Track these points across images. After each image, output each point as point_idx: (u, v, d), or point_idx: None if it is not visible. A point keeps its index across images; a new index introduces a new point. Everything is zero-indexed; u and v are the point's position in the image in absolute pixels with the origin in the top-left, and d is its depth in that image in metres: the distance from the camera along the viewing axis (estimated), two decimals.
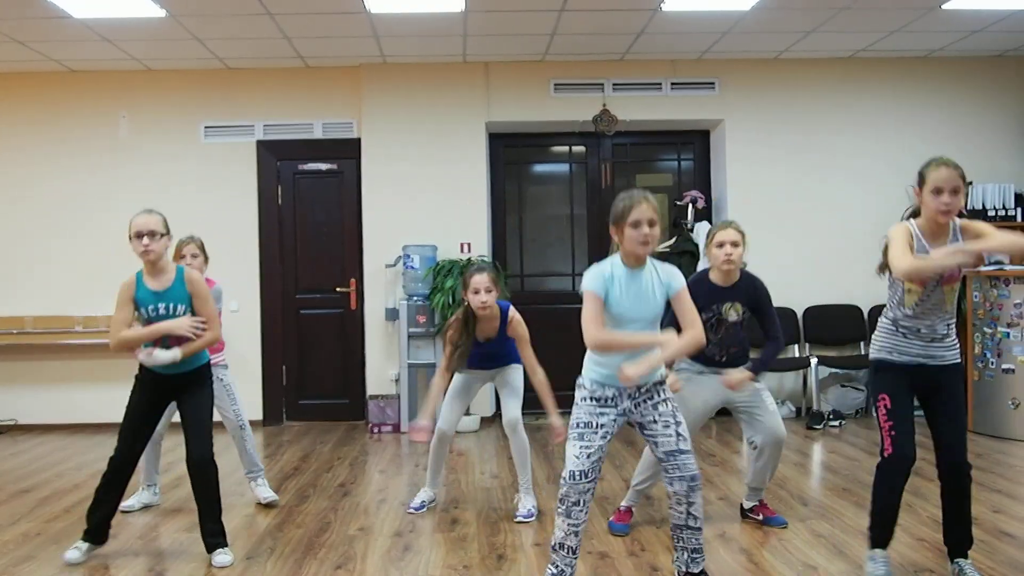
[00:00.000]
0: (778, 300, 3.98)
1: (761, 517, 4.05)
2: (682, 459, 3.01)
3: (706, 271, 3.95)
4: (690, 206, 7.06)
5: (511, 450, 4.30)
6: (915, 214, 3.16)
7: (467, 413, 4.31)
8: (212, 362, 3.94)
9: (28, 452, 6.22)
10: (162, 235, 3.61)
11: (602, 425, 3.02)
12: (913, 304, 3.11)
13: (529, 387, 4.17)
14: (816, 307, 7.17)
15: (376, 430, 6.83)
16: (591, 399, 3.04)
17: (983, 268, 6.08)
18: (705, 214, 7.20)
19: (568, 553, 3.03)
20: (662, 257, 4.64)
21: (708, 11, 5.97)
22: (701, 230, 6.98)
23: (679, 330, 3.02)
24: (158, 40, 6.32)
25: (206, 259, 4.54)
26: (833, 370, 7.03)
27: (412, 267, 6.79)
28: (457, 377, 4.38)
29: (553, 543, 3.06)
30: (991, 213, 6.89)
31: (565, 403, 3.29)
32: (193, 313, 3.65)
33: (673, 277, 3.04)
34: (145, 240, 3.56)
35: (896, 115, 7.22)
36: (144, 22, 5.88)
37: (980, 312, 6.09)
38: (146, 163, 7.12)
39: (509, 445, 4.33)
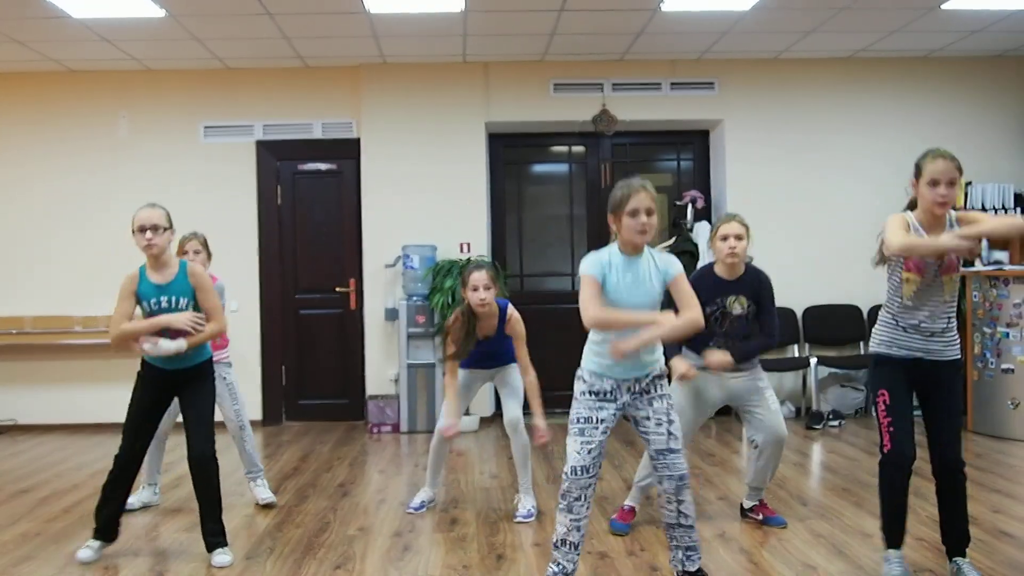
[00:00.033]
0: (778, 300, 3.97)
1: (761, 517, 4.05)
2: (671, 458, 3.03)
3: (711, 264, 3.95)
4: (689, 206, 7.06)
5: (512, 450, 4.30)
6: (912, 207, 3.17)
7: (467, 413, 4.31)
8: (216, 359, 3.94)
9: (27, 452, 6.22)
10: (165, 229, 3.62)
11: (602, 420, 3.03)
12: (911, 293, 3.11)
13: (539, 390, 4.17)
14: (816, 307, 7.17)
15: (375, 430, 6.83)
16: (590, 393, 3.06)
17: (983, 268, 6.09)
18: (704, 214, 7.19)
19: (570, 549, 3.04)
20: None
21: (708, 11, 5.96)
22: (700, 230, 6.98)
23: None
24: (157, 40, 6.32)
25: (209, 255, 4.55)
26: (833, 370, 7.03)
27: (411, 267, 6.79)
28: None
29: (555, 540, 3.07)
30: (990, 213, 6.89)
31: (565, 403, 3.28)
32: (196, 307, 3.66)
33: (670, 264, 3.07)
34: (148, 234, 3.57)
35: (896, 115, 7.22)
36: (143, 22, 5.87)
37: (980, 312, 6.09)
38: (146, 163, 7.12)
39: (509, 445, 4.33)
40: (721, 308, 3.84)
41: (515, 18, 6.03)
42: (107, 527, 3.72)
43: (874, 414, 3.27)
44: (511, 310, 4.17)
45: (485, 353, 4.23)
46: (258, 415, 7.07)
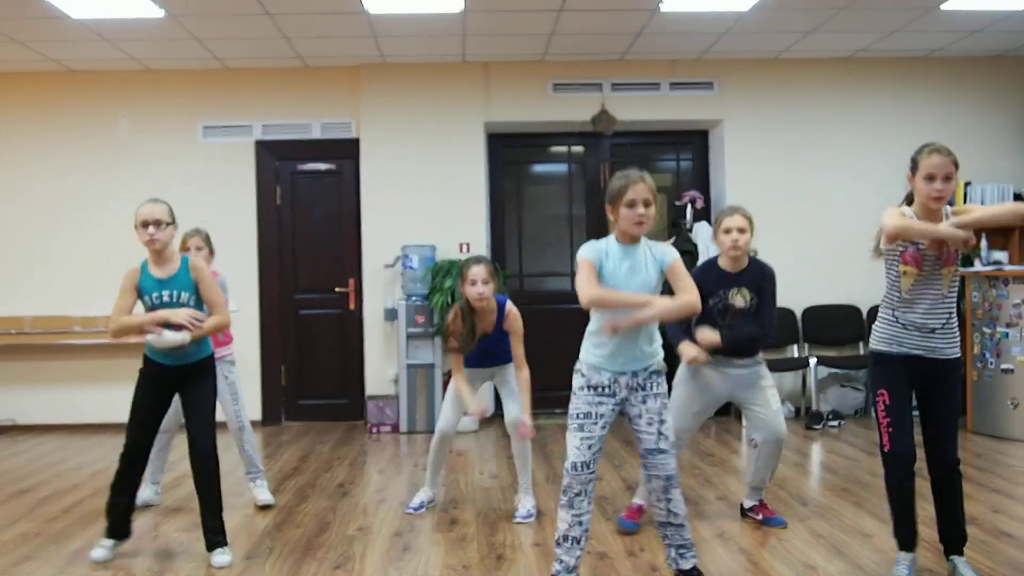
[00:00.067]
0: (778, 300, 3.97)
1: (760, 517, 4.05)
2: (660, 459, 3.05)
3: (715, 257, 3.95)
4: (689, 206, 7.06)
5: (512, 450, 4.30)
6: (909, 201, 3.18)
7: (466, 413, 4.31)
8: (218, 356, 3.94)
9: (27, 452, 6.22)
10: (168, 224, 3.63)
11: (601, 415, 3.05)
12: (909, 286, 3.11)
13: (530, 388, 4.16)
14: (815, 307, 7.17)
15: (375, 430, 6.82)
16: (588, 388, 3.07)
17: (982, 268, 6.09)
18: (704, 214, 7.19)
19: (572, 545, 3.05)
20: None
21: (707, 11, 5.96)
22: (700, 230, 6.98)
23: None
24: (157, 40, 6.31)
25: (211, 252, 4.56)
26: (832, 370, 7.03)
27: (411, 267, 6.78)
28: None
29: (557, 537, 3.08)
30: None
31: (564, 403, 3.28)
32: (199, 300, 3.66)
33: (666, 252, 3.09)
34: (151, 229, 3.58)
35: (896, 115, 7.22)
36: (143, 22, 5.87)
37: (979, 312, 6.09)
38: (145, 163, 7.12)
39: (509, 445, 4.33)
40: (723, 300, 3.83)
41: (515, 18, 6.03)
42: (119, 525, 3.73)
43: (873, 413, 3.27)
44: (510, 305, 4.17)
45: (483, 351, 4.22)
46: (258, 415, 7.07)
